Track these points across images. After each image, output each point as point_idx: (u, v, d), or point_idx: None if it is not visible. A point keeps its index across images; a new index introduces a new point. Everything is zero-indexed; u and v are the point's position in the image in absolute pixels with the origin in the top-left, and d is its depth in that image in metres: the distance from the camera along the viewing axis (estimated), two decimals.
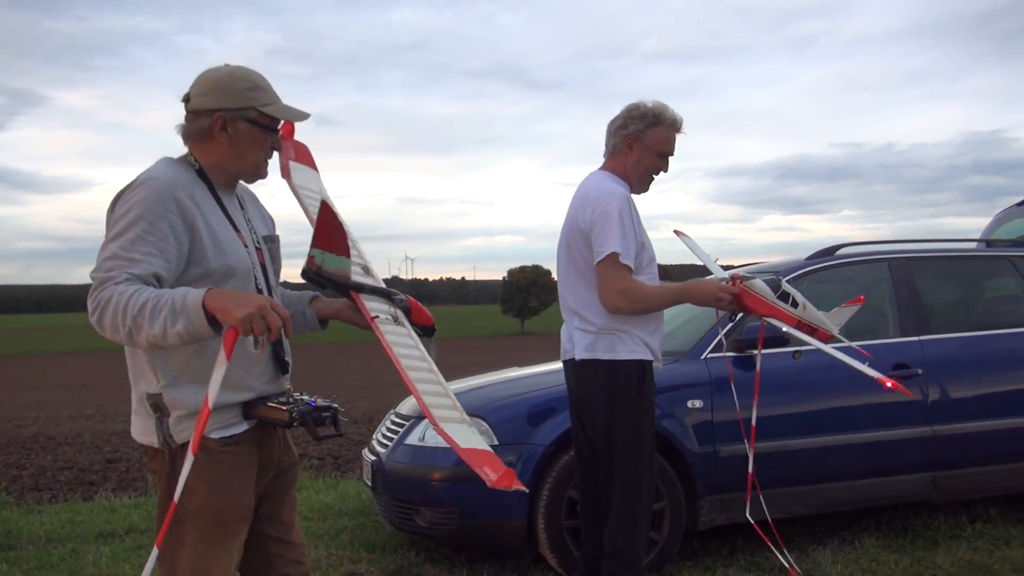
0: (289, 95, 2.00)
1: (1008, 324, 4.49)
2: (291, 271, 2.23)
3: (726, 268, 4.01)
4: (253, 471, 1.93)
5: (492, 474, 1.56)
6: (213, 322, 1.64)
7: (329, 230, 1.93)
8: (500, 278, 62.10)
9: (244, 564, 1.97)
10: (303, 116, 2.00)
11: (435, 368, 1.89)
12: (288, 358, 2.00)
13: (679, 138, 3.08)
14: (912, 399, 4.10)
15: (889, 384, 2.92)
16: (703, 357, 3.97)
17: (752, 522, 3.51)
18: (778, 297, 3.11)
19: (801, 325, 3.13)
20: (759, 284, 3.08)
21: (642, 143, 3.00)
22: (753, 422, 3.42)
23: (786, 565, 3.54)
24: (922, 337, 4.26)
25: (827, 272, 4.40)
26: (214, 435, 1.84)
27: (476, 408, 3.85)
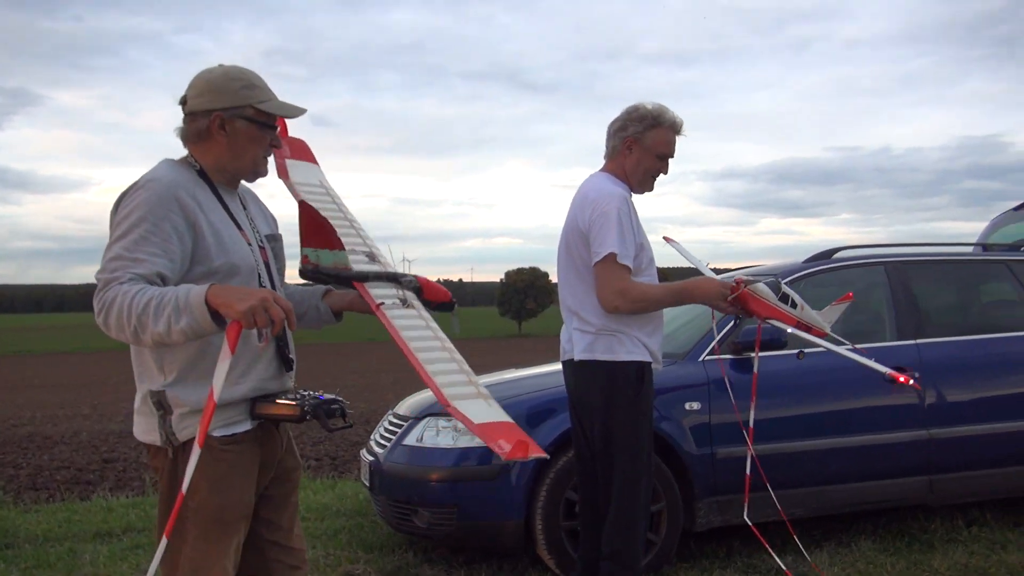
0: (286, 96, 2.02)
1: (1004, 328, 4.51)
2: (294, 272, 2.24)
3: (723, 272, 4.02)
4: (255, 470, 1.94)
5: (506, 445, 1.53)
6: (216, 317, 1.65)
7: (314, 227, 1.94)
8: (498, 280, 62.13)
9: (242, 568, 1.97)
10: (299, 112, 2.01)
11: (450, 346, 1.87)
12: (292, 355, 2.01)
13: (678, 140, 3.09)
14: (910, 402, 4.12)
15: (901, 379, 2.94)
16: (701, 359, 3.98)
17: (750, 524, 3.52)
18: (778, 299, 3.13)
19: (800, 325, 3.15)
20: (762, 287, 3.11)
21: (642, 145, 3.01)
22: (751, 424, 3.43)
23: (782, 567, 3.55)
24: (919, 341, 4.28)
25: (824, 275, 4.41)
26: (216, 433, 1.85)
27: None
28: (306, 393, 1.93)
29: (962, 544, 4.03)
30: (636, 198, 3.08)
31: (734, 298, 3.03)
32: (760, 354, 3.57)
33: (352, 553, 4.16)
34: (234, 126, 1.91)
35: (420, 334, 1.87)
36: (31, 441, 9.82)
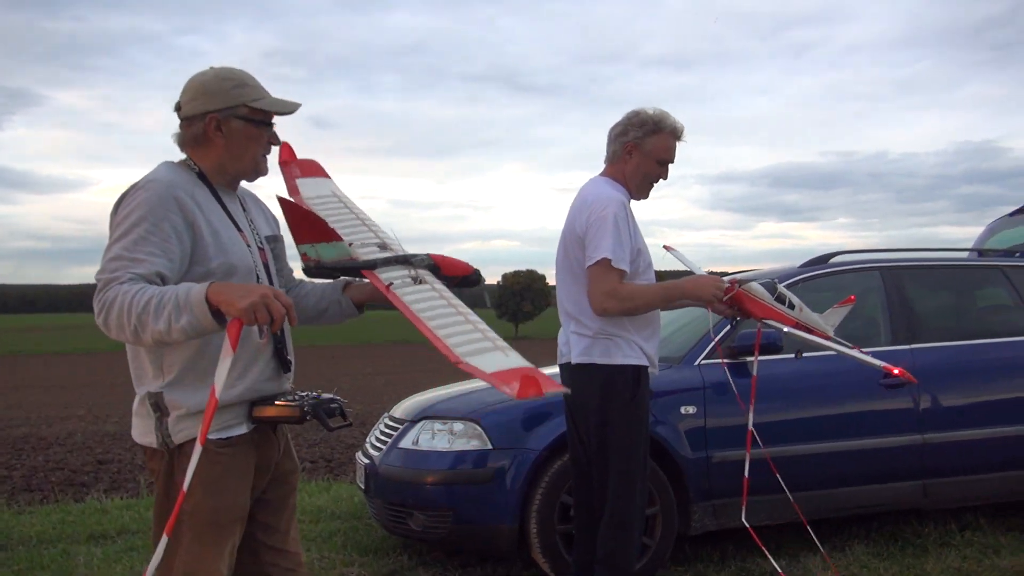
0: (285, 97, 2.01)
1: (999, 333, 4.52)
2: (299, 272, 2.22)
3: (721, 274, 4.02)
4: (250, 473, 1.93)
5: (516, 386, 1.45)
6: (217, 315, 1.65)
7: (305, 224, 1.94)
8: (495, 282, 62.10)
9: (238, 571, 1.96)
10: (293, 106, 2.00)
11: (466, 310, 1.79)
12: (291, 357, 2.01)
13: (679, 146, 3.09)
14: (905, 406, 4.13)
15: (896, 371, 2.94)
16: (697, 363, 3.99)
17: (748, 527, 3.53)
18: (775, 300, 3.14)
19: (799, 326, 3.16)
20: (757, 287, 3.11)
21: (642, 150, 3.02)
22: (750, 427, 3.43)
23: (778, 569, 3.56)
24: (913, 346, 4.29)
25: (820, 280, 4.43)
26: (212, 436, 1.84)
27: (470, 412, 3.87)
28: (304, 394, 1.93)
29: (955, 548, 4.05)
30: (635, 202, 3.09)
31: (729, 298, 3.04)
32: (760, 358, 3.57)
33: (347, 556, 4.16)
34: (230, 126, 1.92)
35: (431, 304, 1.82)
36: (25, 442, 9.79)
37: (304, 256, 1.97)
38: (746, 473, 3.45)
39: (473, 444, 3.75)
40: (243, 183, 2.08)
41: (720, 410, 3.86)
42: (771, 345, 3.81)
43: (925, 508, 4.29)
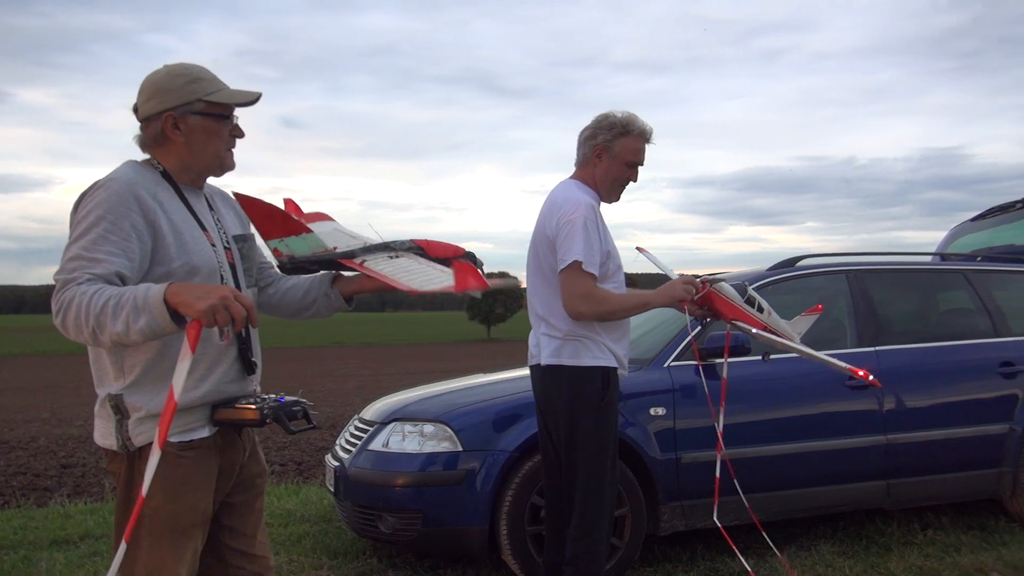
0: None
1: (961, 336, 4.62)
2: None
3: (692, 276, 4.05)
4: (212, 477, 1.91)
5: (461, 278, 1.73)
6: (176, 316, 1.63)
7: (269, 218, 1.92)
8: None
9: (204, 575, 1.94)
10: (252, 96, 1.96)
11: (438, 267, 1.94)
12: (256, 359, 1.99)
13: (648, 148, 3.12)
14: (870, 408, 4.20)
15: (861, 373, 2.99)
16: (666, 365, 4.02)
17: (720, 526, 3.56)
18: (744, 302, 3.17)
19: (767, 329, 3.20)
20: (727, 288, 3.14)
21: (611, 153, 3.04)
22: (720, 429, 3.47)
23: (748, 569, 3.60)
24: (878, 348, 4.36)
25: (788, 283, 4.49)
26: (173, 439, 1.82)
27: (441, 414, 3.86)
28: (267, 396, 1.91)
29: (917, 547, 4.12)
30: (607, 204, 3.11)
31: (700, 297, 3.07)
32: (728, 360, 3.61)
33: (316, 559, 4.13)
34: (188, 123, 1.89)
35: (408, 266, 1.90)
36: None
37: (276, 252, 1.94)
38: (717, 473, 3.49)
39: (444, 446, 3.74)
40: (211, 180, 2.05)
41: (689, 412, 3.90)
42: (740, 347, 3.86)
43: (889, 508, 4.36)
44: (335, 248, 1.99)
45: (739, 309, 3.16)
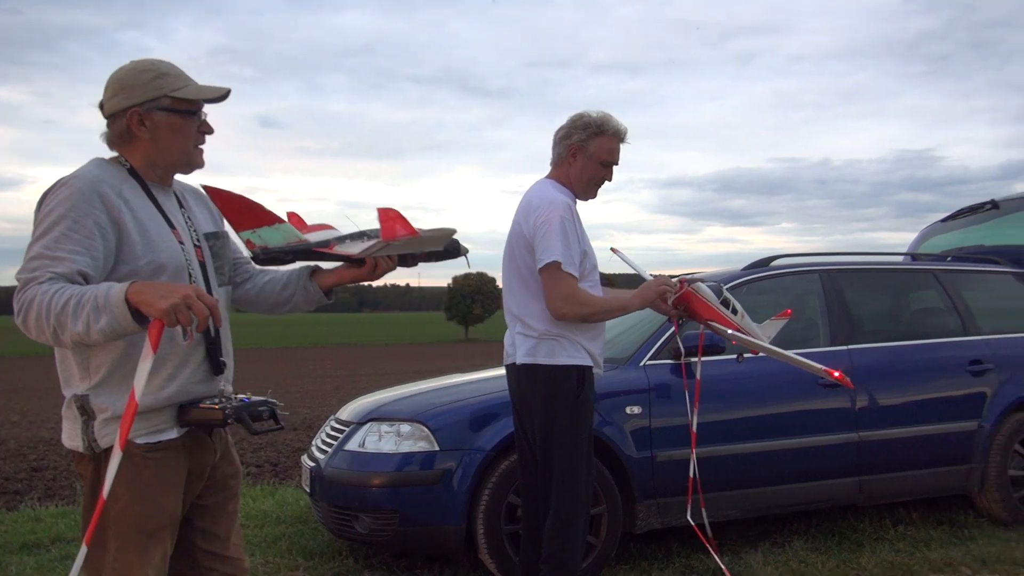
0: (232, 96, 1.95)
1: (931, 335, 4.69)
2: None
3: (669, 276, 4.07)
4: (180, 479, 1.88)
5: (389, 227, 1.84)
6: (138, 316, 1.60)
7: (240, 210, 1.90)
8: (445, 285, 61.84)
9: None
10: (219, 92, 1.92)
11: (397, 245, 1.98)
12: (225, 359, 1.95)
13: (624, 148, 3.13)
14: (842, 406, 4.25)
15: (836, 375, 3.03)
16: (642, 364, 4.05)
17: (693, 524, 3.59)
18: (720, 303, 3.20)
19: (740, 331, 3.22)
20: (704, 288, 3.17)
21: (585, 152, 3.05)
22: (694, 428, 3.49)
23: (722, 567, 3.63)
24: (851, 346, 4.42)
25: (762, 283, 4.53)
26: (140, 440, 1.80)
27: (417, 413, 3.85)
28: (232, 396, 1.89)
29: (889, 543, 4.19)
30: (585, 204, 3.13)
31: (677, 297, 3.09)
32: (702, 359, 3.64)
33: (292, 560, 4.10)
34: (154, 119, 1.86)
35: (361, 245, 1.94)
36: None
37: (248, 243, 1.92)
38: (691, 472, 3.51)
39: (420, 446, 3.74)
40: (184, 178, 2.02)
41: (665, 410, 3.92)
42: (714, 347, 3.89)
43: (861, 504, 4.41)
44: (303, 239, 1.98)
45: (714, 310, 3.18)
